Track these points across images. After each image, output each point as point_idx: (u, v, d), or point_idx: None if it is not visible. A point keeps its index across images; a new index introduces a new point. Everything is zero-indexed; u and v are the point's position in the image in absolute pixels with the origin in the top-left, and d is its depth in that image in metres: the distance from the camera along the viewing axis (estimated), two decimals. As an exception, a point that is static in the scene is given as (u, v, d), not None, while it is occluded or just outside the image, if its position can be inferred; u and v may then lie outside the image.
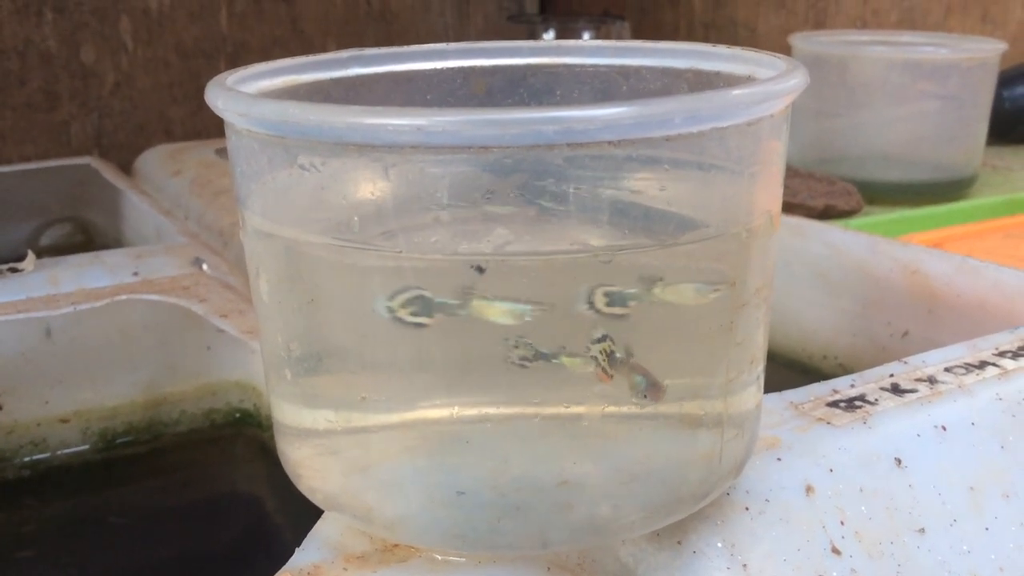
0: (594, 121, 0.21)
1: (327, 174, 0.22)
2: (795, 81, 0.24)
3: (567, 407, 0.23)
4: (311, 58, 0.30)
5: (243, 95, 0.23)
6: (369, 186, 0.22)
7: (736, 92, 0.23)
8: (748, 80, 0.28)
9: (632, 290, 0.23)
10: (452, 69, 0.32)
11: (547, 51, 0.33)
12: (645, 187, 0.23)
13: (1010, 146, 0.87)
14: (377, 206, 0.22)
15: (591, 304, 0.23)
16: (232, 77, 0.26)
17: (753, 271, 0.25)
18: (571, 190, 0.22)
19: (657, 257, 0.23)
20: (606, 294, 0.23)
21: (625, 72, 0.32)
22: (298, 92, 0.29)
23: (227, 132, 0.24)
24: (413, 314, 0.22)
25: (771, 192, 0.25)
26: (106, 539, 0.46)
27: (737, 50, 0.29)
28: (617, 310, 0.23)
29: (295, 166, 0.22)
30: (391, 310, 0.23)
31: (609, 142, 0.21)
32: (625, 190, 0.23)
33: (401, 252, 0.22)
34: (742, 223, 0.24)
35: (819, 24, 1.18)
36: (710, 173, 0.24)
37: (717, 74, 0.30)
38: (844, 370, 0.55)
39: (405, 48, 0.32)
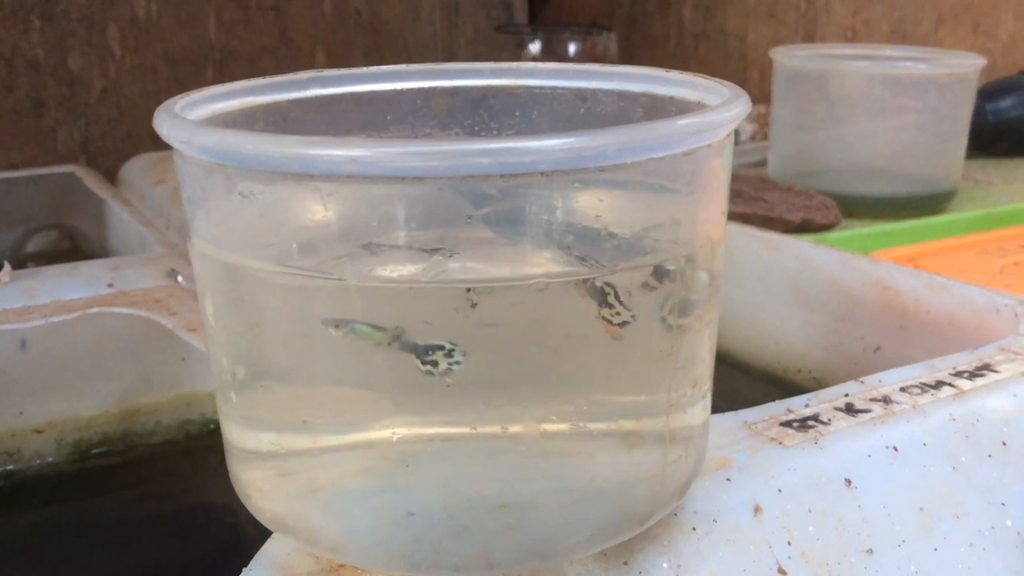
0: (527, 153, 0.21)
1: (266, 202, 0.23)
2: (734, 111, 0.25)
3: (504, 428, 0.24)
4: (269, 80, 0.30)
5: (186, 122, 0.24)
6: (307, 214, 0.22)
7: (675, 123, 0.23)
8: (698, 106, 0.28)
9: (572, 317, 0.24)
10: (413, 90, 0.33)
11: (507, 73, 0.33)
12: (581, 215, 0.23)
13: (993, 160, 0.88)
14: (316, 234, 0.23)
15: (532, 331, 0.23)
16: (184, 100, 0.27)
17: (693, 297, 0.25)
18: (508, 218, 0.23)
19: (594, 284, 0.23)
20: (545, 322, 0.23)
21: (583, 95, 0.32)
22: (255, 114, 0.30)
23: (175, 157, 0.25)
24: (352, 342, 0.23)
25: (712, 217, 0.26)
26: (80, 550, 0.46)
27: (689, 76, 0.30)
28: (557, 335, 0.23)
29: (236, 193, 0.23)
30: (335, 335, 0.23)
31: (542, 173, 0.22)
32: (562, 218, 0.23)
33: (340, 279, 0.22)
34: (682, 249, 0.25)
35: (809, 35, 1.18)
36: (648, 200, 0.24)
37: (671, 99, 0.30)
38: (818, 384, 0.56)
39: (365, 69, 0.32)
